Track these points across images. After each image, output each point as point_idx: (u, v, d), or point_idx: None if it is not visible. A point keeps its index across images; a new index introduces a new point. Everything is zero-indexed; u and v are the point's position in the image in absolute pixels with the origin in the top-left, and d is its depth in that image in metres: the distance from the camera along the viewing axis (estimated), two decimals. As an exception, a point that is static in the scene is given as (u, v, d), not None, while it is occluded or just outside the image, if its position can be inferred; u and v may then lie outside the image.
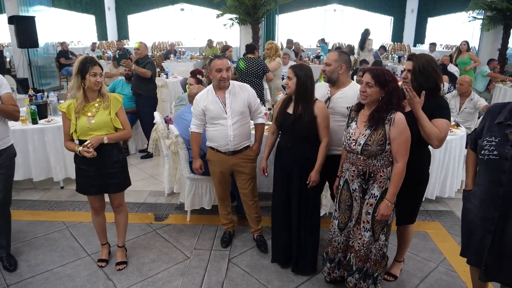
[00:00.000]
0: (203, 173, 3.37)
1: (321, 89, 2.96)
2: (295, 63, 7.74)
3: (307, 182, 2.81)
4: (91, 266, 3.15)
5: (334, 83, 2.87)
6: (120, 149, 3.00)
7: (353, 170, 2.49)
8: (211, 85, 3.15)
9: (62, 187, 4.65)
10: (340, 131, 2.77)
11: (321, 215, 3.67)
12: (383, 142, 2.36)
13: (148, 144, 5.59)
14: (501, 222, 2.14)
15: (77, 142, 2.85)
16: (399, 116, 2.35)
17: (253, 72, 5.62)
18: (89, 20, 16.87)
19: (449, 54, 9.22)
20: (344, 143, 2.51)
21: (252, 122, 3.32)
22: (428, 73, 2.51)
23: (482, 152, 2.15)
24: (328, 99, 2.88)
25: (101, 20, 16.93)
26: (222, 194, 3.39)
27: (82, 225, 3.77)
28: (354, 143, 2.43)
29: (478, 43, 11.64)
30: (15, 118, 2.96)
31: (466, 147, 4.43)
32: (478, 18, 10.44)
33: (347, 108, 2.72)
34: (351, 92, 2.82)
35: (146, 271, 3.09)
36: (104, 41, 15.70)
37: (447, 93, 5.80)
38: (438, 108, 2.52)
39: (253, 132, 3.33)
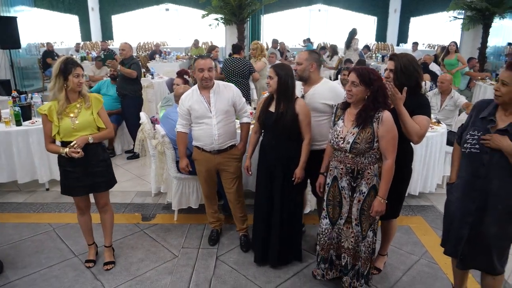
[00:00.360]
0: (189, 172, 3.40)
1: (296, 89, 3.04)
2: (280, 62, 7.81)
3: (293, 179, 2.87)
4: (78, 267, 3.15)
5: (306, 81, 2.97)
6: (103, 148, 3.03)
7: (342, 168, 2.53)
8: (196, 85, 3.18)
9: (47, 189, 4.62)
10: (317, 126, 2.86)
11: (306, 212, 3.76)
12: (372, 140, 2.41)
13: (134, 145, 5.59)
14: (479, 214, 2.23)
15: (59, 144, 2.85)
16: (386, 114, 2.42)
17: (239, 72, 5.66)
18: (73, 20, 16.67)
19: (433, 54, 9.37)
20: (332, 141, 2.56)
21: (238, 121, 3.36)
22: (410, 72, 2.60)
23: (465, 146, 2.26)
24: (302, 96, 2.96)
25: (85, 20, 16.75)
26: (208, 193, 3.42)
27: (68, 227, 3.76)
28: (342, 141, 2.47)
29: (459, 42, 11.89)
30: None
31: (447, 144, 4.56)
32: (458, 18, 10.68)
33: (328, 105, 2.81)
34: (323, 88, 2.93)
35: (134, 271, 3.11)
36: (88, 42, 15.53)
37: (429, 91, 5.94)
38: (419, 106, 2.61)
39: (239, 131, 3.38)
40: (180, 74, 5.20)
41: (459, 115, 5.27)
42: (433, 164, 4.31)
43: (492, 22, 10.03)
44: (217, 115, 3.09)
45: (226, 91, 3.15)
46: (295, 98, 2.85)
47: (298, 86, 3.04)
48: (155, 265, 3.18)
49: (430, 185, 4.35)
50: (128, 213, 4.06)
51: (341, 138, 2.48)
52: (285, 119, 2.79)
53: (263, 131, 3.09)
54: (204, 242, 3.50)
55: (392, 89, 2.50)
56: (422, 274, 3.08)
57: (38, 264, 3.19)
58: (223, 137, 3.13)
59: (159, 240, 3.55)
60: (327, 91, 2.92)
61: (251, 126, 3.46)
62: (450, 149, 4.58)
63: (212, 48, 7.94)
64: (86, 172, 2.87)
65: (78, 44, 13.90)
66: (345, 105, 2.57)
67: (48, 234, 3.66)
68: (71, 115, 2.78)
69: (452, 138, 4.69)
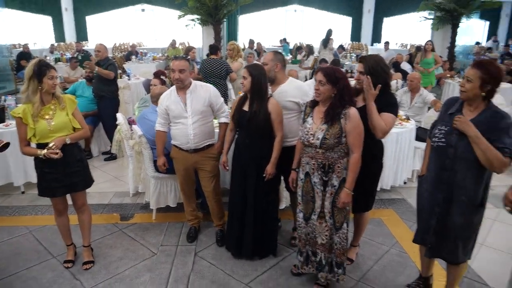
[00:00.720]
0: (167, 171, 3.45)
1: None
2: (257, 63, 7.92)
3: (264, 175, 2.99)
4: (56, 268, 3.16)
5: (273, 81, 3.10)
6: (80, 148, 3.07)
7: (313, 164, 2.64)
8: (174, 86, 3.25)
9: (23, 192, 4.58)
10: (287, 123, 3.00)
11: (282, 207, 3.87)
12: (340, 135, 2.53)
13: (111, 146, 5.59)
14: (446, 205, 2.38)
15: (34, 146, 2.87)
16: (353, 111, 2.54)
17: (216, 73, 5.72)
18: (46, 21, 16.32)
19: (407, 54, 9.59)
20: (302, 137, 2.66)
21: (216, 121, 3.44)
22: (378, 73, 2.73)
23: (433, 140, 2.41)
24: (270, 96, 3.08)
25: (58, 21, 16.43)
26: (186, 191, 3.49)
27: (45, 229, 3.75)
28: (312, 138, 2.58)
29: (430, 42, 12.28)
30: None
31: (416, 139, 4.76)
32: (428, 18, 11.05)
33: (295, 102, 2.96)
34: (289, 87, 3.08)
35: (113, 269, 3.15)
36: (62, 43, 15.25)
37: (400, 89, 6.16)
38: (387, 104, 2.76)
39: (217, 130, 3.46)
40: (157, 75, 5.24)
41: (427, 111, 5.49)
42: (403, 159, 4.50)
43: (460, 22, 10.43)
44: (193, 115, 3.15)
45: (203, 92, 3.22)
46: (268, 97, 2.96)
47: None
48: (134, 263, 3.23)
49: (400, 179, 4.55)
50: (106, 214, 4.08)
51: (311, 134, 2.59)
52: (258, 118, 2.90)
53: (237, 129, 3.19)
54: (182, 240, 3.57)
55: (368, 85, 2.64)
56: (392, 263, 3.24)
57: (15, 266, 3.19)
58: (198, 136, 3.20)
59: (138, 239, 3.60)
60: (293, 89, 3.06)
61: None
62: (419, 144, 4.80)
63: (189, 49, 7.97)
64: (64, 172, 2.90)
65: (52, 45, 13.65)
66: (313, 103, 2.69)
67: (25, 236, 3.64)
68: (46, 116, 2.80)
69: (421, 134, 4.92)
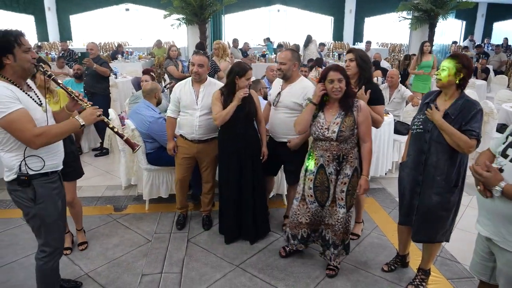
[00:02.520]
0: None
1: (276, 86, 3.41)
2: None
3: (261, 157, 3.33)
4: (55, 255, 3.30)
5: (288, 79, 3.28)
6: (72, 141, 3.24)
7: (328, 156, 2.82)
8: (190, 78, 3.46)
9: (16, 187, 4.66)
10: (290, 122, 3.14)
11: (270, 197, 4.09)
12: (353, 127, 2.76)
13: (101, 143, 5.73)
14: (424, 185, 2.64)
15: None
16: (363, 103, 2.81)
17: None
18: (28, 20, 16.16)
19: (406, 57, 9.24)
20: (316, 132, 2.82)
21: None
22: (365, 63, 3.13)
23: (413, 127, 2.71)
24: (279, 93, 3.30)
25: (41, 20, 16.26)
26: (181, 177, 3.62)
27: (41, 220, 3.87)
28: (327, 131, 2.76)
29: (408, 41, 12.72)
30: None
31: (395, 132, 5.04)
32: (407, 18, 11.42)
33: (299, 104, 3.19)
34: (299, 86, 3.26)
35: (110, 255, 3.31)
36: (46, 42, 15.13)
37: (381, 85, 6.44)
38: (376, 97, 3.09)
39: None
40: (147, 72, 5.42)
41: (405, 106, 5.79)
42: (383, 151, 4.77)
43: (437, 22, 10.84)
44: (202, 109, 3.37)
45: (216, 89, 3.39)
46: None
47: (278, 83, 3.38)
48: (130, 249, 3.40)
49: (381, 170, 4.82)
50: (100, 205, 4.23)
51: (325, 128, 2.77)
52: (252, 109, 3.22)
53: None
54: (175, 228, 3.75)
55: (361, 94, 3.00)
56: (372, 245, 3.50)
57: (14, 254, 3.32)
58: (203, 129, 3.41)
59: (132, 227, 3.76)
60: (299, 89, 3.22)
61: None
62: (398, 137, 5.09)
63: (169, 48, 8.13)
64: None
65: (39, 46, 13.51)
66: (320, 105, 2.84)
67: (22, 227, 3.75)
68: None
69: (400, 128, 5.21)
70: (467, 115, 2.45)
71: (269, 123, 3.45)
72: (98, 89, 5.56)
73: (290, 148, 3.27)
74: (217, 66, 6.06)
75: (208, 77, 3.46)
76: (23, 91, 2.15)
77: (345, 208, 2.88)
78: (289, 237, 3.13)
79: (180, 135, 3.53)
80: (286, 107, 3.25)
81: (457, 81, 2.51)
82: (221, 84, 3.53)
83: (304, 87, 3.23)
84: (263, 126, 3.33)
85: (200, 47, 6.30)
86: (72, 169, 3.15)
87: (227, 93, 3.21)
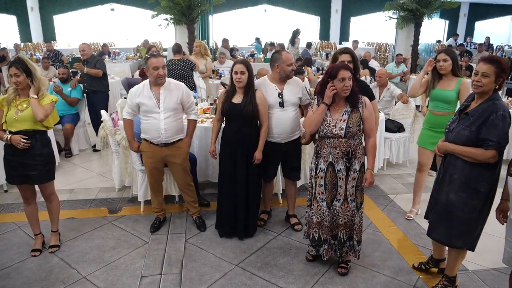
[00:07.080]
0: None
1: (269, 89, 3.36)
2: (231, 61, 8.11)
3: (252, 160, 3.31)
4: (52, 259, 3.26)
5: (285, 79, 3.37)
6: (46, 144, 3.19)
7: (337, 153, 2.84)
8: (147, 81, 3.38)
9: (6, 191, 4.58)
10: (296, 117, 3.39)
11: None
12: (359, 123, 2.81)
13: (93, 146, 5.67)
14: (442, 182, 2.66)
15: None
16: (367, 99, 2.88)
17: (180, 73, 5.80)
18: (10, 20, 15.82)
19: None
20: (324, 130, 2.84)
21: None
22: (358, 61, 3.32)
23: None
24: (280, 94, 3.33)
25: (24, 20, 15.93)
26: (153, 184, 3.63)
27: (35, 224, 3.81)
28: (335, 129, 2.79)
29: (394, 41, 12.89)
30: None
31: (385, 130, 5.11)
32: (393, 18, 11.57)
33: (300, 98, 3.38)
34: (293, 82, 3.41)
35: (108, 258, 3.29)
36: (29, 43, 14.84)
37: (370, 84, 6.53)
38: (367, 95, 3.11)
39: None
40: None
41: (395, 105, 5.87)
42: (374, 149, 4.83)
43: (422, 21, 11.01)
44: (165, 111, 3.32)
45: (176, 90, 3.39)
46: (254, 90, 3.26)
47: (271, 87, 3.38)
48: (127, 251, 3.38)
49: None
50: (94, 208, 4.18)
51: (333, 126, 2.80)
52: (248, 108, 3.20)
53: (224, 120, 3.48)
54: (172, 228, 3.74)
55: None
56: (368, 241, 3.55)
57: (9, 259, 3.26)
58: (170, 131, 3.37)
59: (128, 229, 3.74)
60: (296, 85, 3.43)
61: (210, 120, 3.78)
62: (388, 135, 5.17)
63: (149, 48, 8.08)
64: (21, 162, 3.09)
65: (17, 45, 13.25)
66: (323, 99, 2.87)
67: (15, 232, 3.70)
68: (19, 107, 3.04)
69: (390, 126, 5.29)
70: (486, 118, 2.39)
71: (278, 125, 3.36)
72: (99, 87, 5.65)
73: (296, 144, 3.44)
74: (192, 63, 5.98)
75: (166, 78, 3.36)
76: None
77: (355, 202, 2.92)
78: (304, 234, 3.21)
79: (144, 139, 3.46)
80: (293, 104, 3.37)
81: (496, 86, 2.44)
82: (181, 84, 3.47)
83: (297, 81, 3.45)
84: (263, 131, 3.30)
85: (177, 49, 6.23)
86: (36, 172, 3.14)
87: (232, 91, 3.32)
